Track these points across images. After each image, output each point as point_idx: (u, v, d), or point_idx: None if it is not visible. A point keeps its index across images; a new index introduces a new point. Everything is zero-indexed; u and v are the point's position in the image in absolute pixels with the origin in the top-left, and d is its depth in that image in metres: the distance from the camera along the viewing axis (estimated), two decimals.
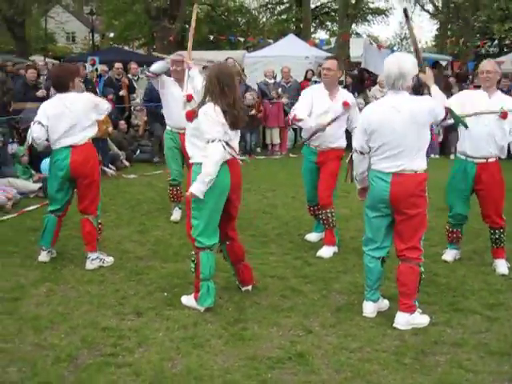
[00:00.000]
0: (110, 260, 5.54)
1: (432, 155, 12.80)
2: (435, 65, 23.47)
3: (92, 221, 5.47)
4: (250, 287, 4.92)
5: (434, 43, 37.28)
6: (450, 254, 5.89)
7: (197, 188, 4.27)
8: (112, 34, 33.84)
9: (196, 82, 5.78)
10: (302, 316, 4.49)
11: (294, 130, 14.13)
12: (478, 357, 3.89)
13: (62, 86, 5.36)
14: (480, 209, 5.75)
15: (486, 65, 5.65)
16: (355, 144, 4.52)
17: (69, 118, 5.27)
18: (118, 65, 12.38)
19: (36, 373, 3.56)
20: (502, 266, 5.60)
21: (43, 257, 5.54)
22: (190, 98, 5.79)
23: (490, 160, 5.55)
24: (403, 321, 4.28)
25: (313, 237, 6.44)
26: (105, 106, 5.56)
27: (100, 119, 5.61)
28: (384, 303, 4.61)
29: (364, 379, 3.59)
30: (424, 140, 4.27)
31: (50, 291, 4.86)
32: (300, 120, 5.86)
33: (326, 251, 5.96)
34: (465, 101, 5.59)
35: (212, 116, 4.28)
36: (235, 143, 4.55)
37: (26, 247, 5.95)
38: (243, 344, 4.01)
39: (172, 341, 4.03)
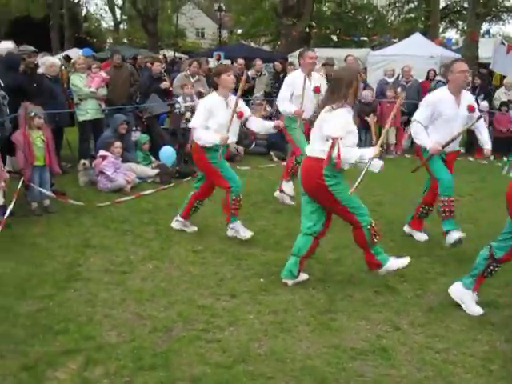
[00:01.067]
0: (249, 234, 5.99)
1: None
2: None
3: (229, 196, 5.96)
4: None
5: None
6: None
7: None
8: (240, 31, 34.72)
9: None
10: (392, 313, 4.50)
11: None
12: None
13: None
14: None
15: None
16: None
17: None
18: (240, 61, 12.76)
19: (133, 338, 3.89)
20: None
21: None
22: (317, 90, 7.05)
23: None
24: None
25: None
26: None
27: None
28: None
29: (445, 380, 3.57)
30: None
31: (156, 268, 5.22)
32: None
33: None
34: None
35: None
36: None
37: (138, 227, 6.40)
38: (329, 333, 4.11)
39: (262, 323, 4.21)
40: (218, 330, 4.08)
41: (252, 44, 33.09)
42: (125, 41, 37.28)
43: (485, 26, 24.54)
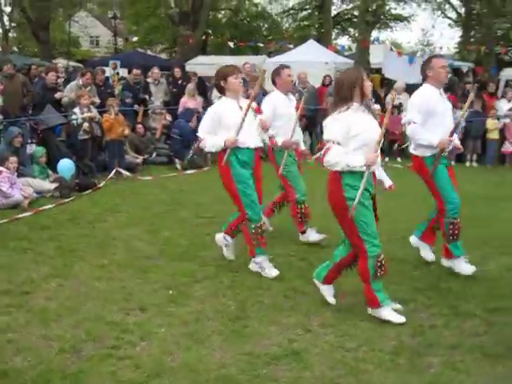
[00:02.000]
0: (275, 273, 5.43)
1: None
2: (456, 72, 23.44)
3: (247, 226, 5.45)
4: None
5: (456, 50, 37.02)
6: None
7: None
8: (135, 38, 34.24)
9: None
10: (302, 315, 4.57)
11: (310, 134, 14.19)
12: (472, 359, 3.94)
13: None
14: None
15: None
16: None
17: None
18: (135, 71, 12.60)
19: (40, 362, 3.70)
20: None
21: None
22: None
23: None
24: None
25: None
26: None
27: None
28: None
29: (356, 377, 3.66)
30: None
31: (60, 286, 5.02)
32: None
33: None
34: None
35: None
36: None
37: (38, 244, 6.14)
38: (242, 340, 4.11)
39: (173, 336, 4.15)
40: (130, 346, 3.97)
41: (149, 52, 32.74)
42: (15, 49, 35.75)
43: (375, 33, 25.60)
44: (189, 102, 12.32)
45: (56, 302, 4.68)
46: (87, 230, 6.56)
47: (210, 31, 32.82)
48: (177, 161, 11.05)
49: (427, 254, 5.93)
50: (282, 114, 6.23)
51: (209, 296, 4.89)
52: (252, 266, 5.54)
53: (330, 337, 4.22)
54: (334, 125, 4.36)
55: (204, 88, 13.96)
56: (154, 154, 11.40)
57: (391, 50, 23.78)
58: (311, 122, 13.81)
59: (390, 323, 4.38)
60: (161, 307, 4.63)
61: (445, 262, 5.77)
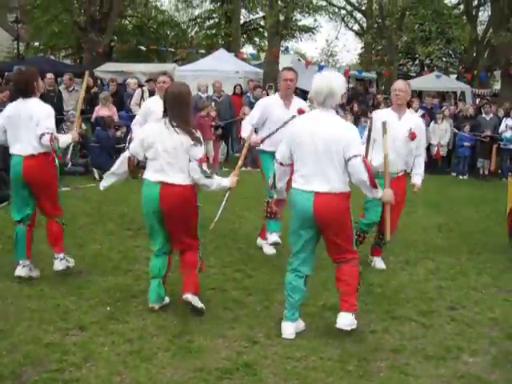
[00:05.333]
0: (72, 261, 5.58)
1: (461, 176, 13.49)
2: (361, 81, 24.34)
3: (58, 221, 5.48)
4: (187, 296, 4.69)
5: (359, 61, 38.42)
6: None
7: None
8: (37, 44, 32.96)
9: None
10: (246, 327, 4.56)
11: (226, 143, 14.24)
12: (416, 362, 4.09)
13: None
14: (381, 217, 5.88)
15: (399, 84, 6.05)
16: (277, 155, 4.56)
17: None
18: (49, 75, 12.17)
19: None
20: (379, 262, 6.22)
21: (19, 271, 5.36)
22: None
23: (399, 174, 5.94)
24: (347, 322, 4.33)
25: (275, 238, 6.37)
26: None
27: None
28: (301, 324, 4.54)
29: None
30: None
31: None
32: None
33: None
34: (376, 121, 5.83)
35: None
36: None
37: None
38: (191, 356, 4.04)
39: (119, 355, 4.01)
40: (74, 368, 3.80)
41: (51, 57, 31.59)
42: None
43: (283, 43, 26.04)
44: (101, 110, 12.04)
45: None
46: (9, 245, 6.21)
47: (115, 37, 32.14)
48: (95, 170, 10.72)
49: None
50: (274, 119, 6.32)
51: (148, 311, 4.76)
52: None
53: (277, 348, 4.24)
54: None
55: (121, 95, 13.71)
56: (70, 164, 10.98)
57: (299, 60, 24.40)
58: (226, 132, 13.84)
59: (333, 331, 4.42)
60: (101, 325, 4.47)
61: (258, 241, 6.69)
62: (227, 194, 4.97)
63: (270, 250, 6.50)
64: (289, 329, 4.42)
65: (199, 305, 4.70)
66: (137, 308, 4.84)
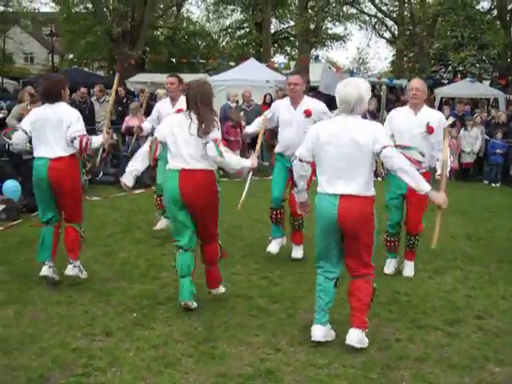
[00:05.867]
0: (84, 274, 5.64)
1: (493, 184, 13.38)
2: (393, 89, 24.19)
3: (77, 228, 5.56)
4: (214, 291, 5.17)
5: (390, 69, 38.20)
6: (390, 266, 6.25)
7: None
8: (71, 56, 33.66)
9: None
10: (270, 334, 4.58)
11: None
12: (440, 370, 4.06)
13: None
14: (405, 216, 6.18)
15: (415, 83, 6.14)
16: (297, 153, 4.54)
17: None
18: (83, 89, 12.41)
19: None
20: (408, 268, 6.22)
21: (45, 271, 5.47)
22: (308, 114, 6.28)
23: (420, 171, 5.84)
24: (357, 338, 4.28)
25: (273, 246, 6.56)
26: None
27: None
28: (332, 332, 4.50)
29: None
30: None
31: (18, 313, 4.84)
32: None
33: (298, 252, 6.57)
34: (393, 118, 6.14)
35: None
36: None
37: None
38: (214, 362, 4.09)
39: (143, 360, 4.08)
40: (100, 372, 3.88)
41: (85, 69, 32.22)
42: None
43: (313, 52, 26.13)
44: (131, 120, 12.20)
45: (17, 330, 4.51)
46: None
47: (147, 49, 32.63)
48: None
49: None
50: (280, 120, 6.46)
51: (174, 318, 4.83)
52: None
53: (300, 355, 4.25)
54: None
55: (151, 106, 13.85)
56: (101, 174, 11.19)
57: (329, 68, 24.37)
58: (255, 142, 13.86)
59: (348, 345, 4.33)
60: (127, 331, 4.54)
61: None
62: (250, 175, 5.08)
63: (274, 249, 6.58)
64: (318, 331, 4.41)
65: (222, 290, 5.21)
66: (163, 315, 4.90)
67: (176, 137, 4.82)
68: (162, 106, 7.41)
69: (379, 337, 4.54)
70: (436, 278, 6.16)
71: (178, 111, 6.13)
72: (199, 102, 4.79)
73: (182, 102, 6.47)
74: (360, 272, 4.38)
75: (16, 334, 4.42)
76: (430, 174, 5.98)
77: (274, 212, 6.50)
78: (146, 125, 7.51)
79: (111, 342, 4.34)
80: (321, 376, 3.93)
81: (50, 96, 5.43)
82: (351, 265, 4.41)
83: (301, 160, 4.49)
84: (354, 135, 4.19)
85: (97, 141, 5.60)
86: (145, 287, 5.53)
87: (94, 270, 5.94)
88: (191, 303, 4.91)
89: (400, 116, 6.11)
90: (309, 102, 6.33)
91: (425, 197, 5.54)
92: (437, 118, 6.02)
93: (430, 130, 5.89)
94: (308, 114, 6.19)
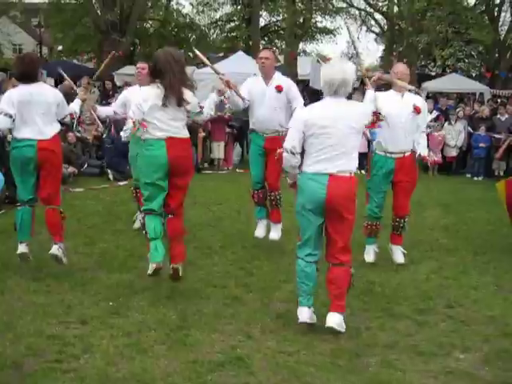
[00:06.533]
0: (65, 261, 5.66)
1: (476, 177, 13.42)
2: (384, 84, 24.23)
3: (58, 210, 5.62)
4: (177, 266, 5.05)
5: (380, 64, 38.29)
6: (370, 252, 6.37)
7: None
8: (60, 47, 33.49)
9: None
10: (243, 323, 4.66)
11: (242, 145, 14.35)
12: (407, 357, 4.16)
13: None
14: (393, 200, 6.27)
15: (400, 66, 6.32)
16: (287, 145, 4.53)
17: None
18: (84, 80, 12.41)
19: None
20: (399, 254, 6.31)
21: (22, 249, 5.57)
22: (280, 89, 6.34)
23: (406, 154, 6.10)
24: (337, 320, 4.40)
25: (259, 231, 6.69)
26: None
27: None
28: (314, 317, 4.58)
29: (300, 380, 3.79)
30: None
31: None
32: None
33: (276, 232, 6.60)
34: (379, 99, 6.11)
35: None
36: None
37: None
38: (185, 349, 4.16)
39: (116, 347, 4.14)
40: (73, 359, 3.94)
41: (75, 61, 32.09)
42: None
43: (301, 45, 26.16)
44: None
45: None
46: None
47: (137, 41, 32.54)
48: (109, 171, 10.93)
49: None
50: (253, 95, 6.40)
51: (149, 306, 4.90)
52: None
53: (271, 342, 4.33)
54: None
55: None
56: (86, 165, 11.22)
57: (318, 61, 24.40)
58: (241, 133, 13.95)
59: (328, 328, 4.47)
60: (102, 319, 4.61)
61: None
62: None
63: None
64: (305, 314, 4.50)
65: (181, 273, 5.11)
66: (138, 303, 4.97)
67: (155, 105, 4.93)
68: (131, 93, 7.07)
69: (350, 325, 4.60)
70: (411, 268, 6.26)
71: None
72: (171, 71, 4.92)
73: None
74: (340, 259, 4.47)
75: None
76: (412, 155, 6.20)
77: (256, 192, 6.60)
78: (107, 109, 7.35)
79: (86, 330, 4.41)
80: (289, 363, 4.01)
81: (29, 76, 5.42)
82: (332, 251, 4.49)
83: (293, 154, 4.50)
84: (344, 115, 4.34)
85: (77, 104, 5.76)
86: (122, 277, 5.60)
87: (73, 261, 5.98)
88: (162, 265, 5.01)
89: (387, 99, 6.15)
90: (280, 78, 6.43)
91: (412, 181, 5.77)
92: (420, 100, 6.29)
93: (417, 110, 6.07)
94: (279, 89, 6.28)
